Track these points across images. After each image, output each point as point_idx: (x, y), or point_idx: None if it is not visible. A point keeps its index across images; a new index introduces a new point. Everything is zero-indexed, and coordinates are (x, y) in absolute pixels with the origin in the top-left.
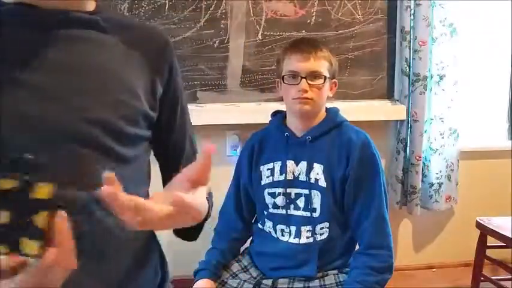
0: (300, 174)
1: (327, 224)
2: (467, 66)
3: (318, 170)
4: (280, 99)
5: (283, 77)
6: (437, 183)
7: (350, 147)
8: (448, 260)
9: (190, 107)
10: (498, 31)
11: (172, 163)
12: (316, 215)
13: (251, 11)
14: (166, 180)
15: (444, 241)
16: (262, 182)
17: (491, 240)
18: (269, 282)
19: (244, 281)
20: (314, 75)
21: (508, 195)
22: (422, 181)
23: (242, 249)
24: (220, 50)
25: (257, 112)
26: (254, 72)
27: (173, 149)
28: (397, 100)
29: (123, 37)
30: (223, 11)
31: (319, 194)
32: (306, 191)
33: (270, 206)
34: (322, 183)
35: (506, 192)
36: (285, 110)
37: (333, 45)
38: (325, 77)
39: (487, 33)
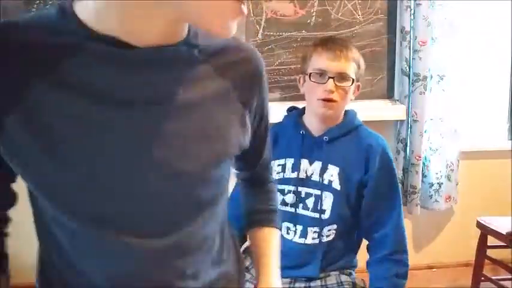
0: (312, 174)
1: (334, 226)
2: (467, 66)
3: (332, 171)
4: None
5: (310, 74)
6: (437, 183)
7: (369, 153)
8: (448, 260)
9: None
10: (498, 31)
11: (250, 166)
12: (325, 216)
13: (251, 11)
14: (243, 177)
15: (444, 241)
16: None
17: (491, 240)
18: None
19: (246, 280)
20: (342, 76)
21: (508, 195)
22: (422, 181)
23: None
24: None
25: None
26: None
27: (253, 157)
28: (397, 100)
29: (215, 64)
30: None
31: (331, 196)
32: (318, 192)
33: (279, 203)
34: (337, 185)
35: (506, 192)
36: (299, 106)
37: None
38: (352, 80)
39: (487, 33)
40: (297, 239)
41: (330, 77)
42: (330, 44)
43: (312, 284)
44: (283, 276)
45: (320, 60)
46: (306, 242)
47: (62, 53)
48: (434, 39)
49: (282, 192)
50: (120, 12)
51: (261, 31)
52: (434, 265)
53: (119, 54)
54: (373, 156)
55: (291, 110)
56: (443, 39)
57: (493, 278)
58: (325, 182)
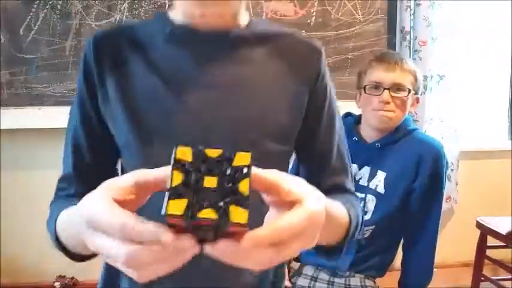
0: (361, 178)
1: (372, 227)
2: (467, 66)
3: (380, 177)
4: None
5: (364, 87)
6: None
7: (420, 163)
8: (448, 260)
9: None
10: (498, 31)
11: (316, 174)
12: (366, 217)
13: (251, 11)
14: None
15: (444, 241)
16: None
17: (491, 240)
18: (296, 265)
19: None
20: (397, 87)
21: (508, 195)
22: None
23: None
24: None
25: None
26: None
27: (318, 158)
28: None
29: (270, 48)
30: None
31: (374, 199)
32: (363, 195)
33: None
34: (381, 189)
35: (506, 192)
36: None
37: (332, 45)
38: (409, 90)
39: (487, 33)
40: None
41: (385, 88)
42: (385, 57)
43: (336, 279)
44: (309, 263)
45: (375, 73)
46: None
47: (151, 40)
48: (434, 39)
49: None
50: (180, 5)
51: None
52: (434, 265)
53: (190, 36)
54: (424, 167)
55: (346, 116)
56: (443, 39)
57: (493, 278)
58: (372, 186)
